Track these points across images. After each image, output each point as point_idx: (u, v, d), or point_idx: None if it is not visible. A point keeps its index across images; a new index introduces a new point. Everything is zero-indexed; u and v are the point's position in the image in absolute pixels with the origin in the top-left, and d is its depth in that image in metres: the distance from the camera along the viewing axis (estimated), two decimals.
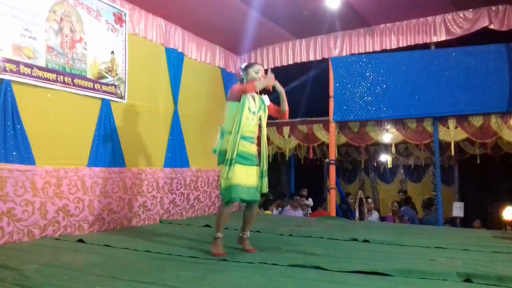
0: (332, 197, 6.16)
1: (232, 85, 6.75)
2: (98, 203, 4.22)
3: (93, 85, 4.26)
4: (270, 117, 3.49)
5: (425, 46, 5.66)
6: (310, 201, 7.37)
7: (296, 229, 4.55)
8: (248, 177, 3.10)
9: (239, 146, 3.05)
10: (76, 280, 2.32)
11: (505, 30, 5.06)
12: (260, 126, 3.30)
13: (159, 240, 3.74)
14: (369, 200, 7.56)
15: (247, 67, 3.33)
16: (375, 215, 7.25)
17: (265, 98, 3.35)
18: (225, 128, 3.17)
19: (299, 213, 6.80)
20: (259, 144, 3.29)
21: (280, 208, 7.18)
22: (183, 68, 5.63)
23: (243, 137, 3.09)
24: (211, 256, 2.99)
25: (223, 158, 3.09)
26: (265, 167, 3.25)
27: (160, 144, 5.23)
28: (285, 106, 3.39)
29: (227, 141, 3.10)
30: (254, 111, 3.19)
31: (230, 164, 3.02)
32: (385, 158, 9.97)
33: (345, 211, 6.82)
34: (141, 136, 4.93)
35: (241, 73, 3.36)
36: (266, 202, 7.15)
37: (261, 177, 3.23)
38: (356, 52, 6.00)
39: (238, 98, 3.14)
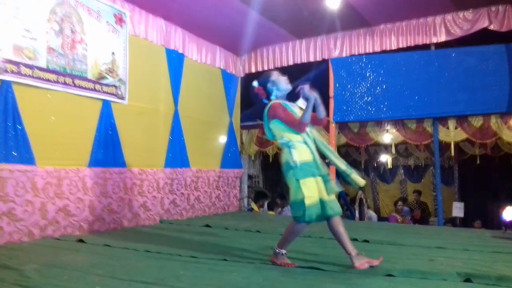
0: None
1: (232, 86, 6.87)
2: (99, 204, 4.22)
3: (94, 86, 4.26)
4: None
5: (425, 46, 5.66)
6: None
7: None
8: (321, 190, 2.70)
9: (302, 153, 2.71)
10: (76, 280, 2.33)
11: (505, 30, 5.06)
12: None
13: (159, 240, 3.74)
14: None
15: (268, 76, 2.94)
16: (368, 214, 7.24)
17: (302, 102, 2.95)
18: (286, 140, 2.76)
19: None
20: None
21: (280, 209, 7.17)
22: (184, 69, 5.64)
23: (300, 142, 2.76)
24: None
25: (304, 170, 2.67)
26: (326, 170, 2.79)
27: (161, 145, 5.24)
28: (322, 113, 2.98)
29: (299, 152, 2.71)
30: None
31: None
32: (385, 158, 9.97)
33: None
34: (142, 136, 4.94)
35: (267, 87, 2.91)
36: (269, 203, 7.16)
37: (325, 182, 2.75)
38: (356, 53, 6.01)
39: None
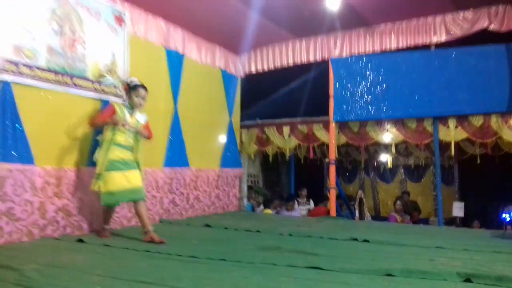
0: (332, 197, 6.16)
1: (232, 86, 6.88)
2: (98, 203, 4.20)
3: (93, 86, 4.26)
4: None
5: (425, 46, 5.65)
6: (312, 206, 7.34)
7: (296, 229, 4.55)
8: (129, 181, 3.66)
9: (113, 152, 3.64)
10: (76, 280, 2.32)
11: (505, 30, 5.06)
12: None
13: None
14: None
15: (133, 88, 3.81)
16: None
17: (141, 117, 3.89)
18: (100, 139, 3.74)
19: (295, 213, 6.81)
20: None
21: (278, 208, 7.17)
22: (183, 68, 5.63)
23: (117, 145, 3.66)
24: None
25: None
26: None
27: (160, 144, 5.23)
28: (144, 135, 3.94)
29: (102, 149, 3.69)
30: (128, 128, 3.73)
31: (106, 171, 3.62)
32: (385, 158, 9.96)
33: (337, 208, 6.72)
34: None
35: (129, 90, 3.84)
36: (266, 201, 7.15)
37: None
38: (356, 53, 6.00)
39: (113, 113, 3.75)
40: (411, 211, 7.96)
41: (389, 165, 10.02)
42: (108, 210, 3.86)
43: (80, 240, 3.56)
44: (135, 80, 3.89)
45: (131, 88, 3.83)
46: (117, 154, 3.65)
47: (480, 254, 3.20)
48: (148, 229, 3.64)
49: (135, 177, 3.72)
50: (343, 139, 6.44)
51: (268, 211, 6.84)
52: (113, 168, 3.61)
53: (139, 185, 3.74)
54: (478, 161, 7.00)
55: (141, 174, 3.83)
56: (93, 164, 4.18)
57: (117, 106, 3.80)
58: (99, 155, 3.67)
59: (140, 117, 3.90)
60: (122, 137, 3.70)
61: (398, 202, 7.12)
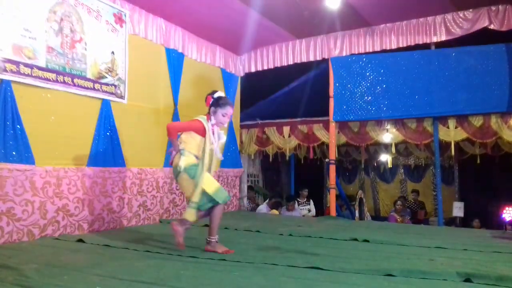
0: (332, 197, 6.16)
1: (232, 85, 6.87)
2: (98, 203, 4.22)
3: (93, 85, 4.26)
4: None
5: (425, 46, 5.66)
6: (312, 206, 7.34)
7: (296, 229, 4.55)
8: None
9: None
10: (76, 280, 2.33)
11: (505, 30, 5.06)
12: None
13: (159, 240, 3.74)
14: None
15: (218, 103, 3.32)
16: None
17: (222, 135, 3.49)
18: (186, 148, 3.35)
19: (295, 213, 6.81)
20: None
21: (279, 208, 7.18)
22: (183, 68, 5.63)
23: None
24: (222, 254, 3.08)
25: (193, 171, 3.24)
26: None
27: (160, 144, 5.23)
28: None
29: (188, 157, 3.28)
30: (212, 143, 3.36)
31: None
32: (385, 158, 9.97)
33: (337, 209, 6.72)
34: (141, 136, 4.93)
35: (211, 104, 3.36)
36: (275, 204, 7.16)
37: None
38: (356, 52, 6.00)
39: (203, 132, 3.33)
40: (418, 210, 7.96)
41: (389, 165, 10.03)
42: (219, 215, 3.32)
43: (80, 240, 3.56)
44: (221, 93, 3.43)
45: (218, 104, 3.32)
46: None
47: (480, 254, 3.20)
48: (212, 239, 3.25)
49: None
50: (343, 139, 6.44)
51: (275, 211, 6.86)
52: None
53: None
54: (478, 161, 7.00)
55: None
56: (93, 163, 4.21)
57: (205, 123, 3.31)
58: (194, 182, 3.25)
59: (222, 136, 3.48)
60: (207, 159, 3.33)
61: (399, 202, 7.13)
